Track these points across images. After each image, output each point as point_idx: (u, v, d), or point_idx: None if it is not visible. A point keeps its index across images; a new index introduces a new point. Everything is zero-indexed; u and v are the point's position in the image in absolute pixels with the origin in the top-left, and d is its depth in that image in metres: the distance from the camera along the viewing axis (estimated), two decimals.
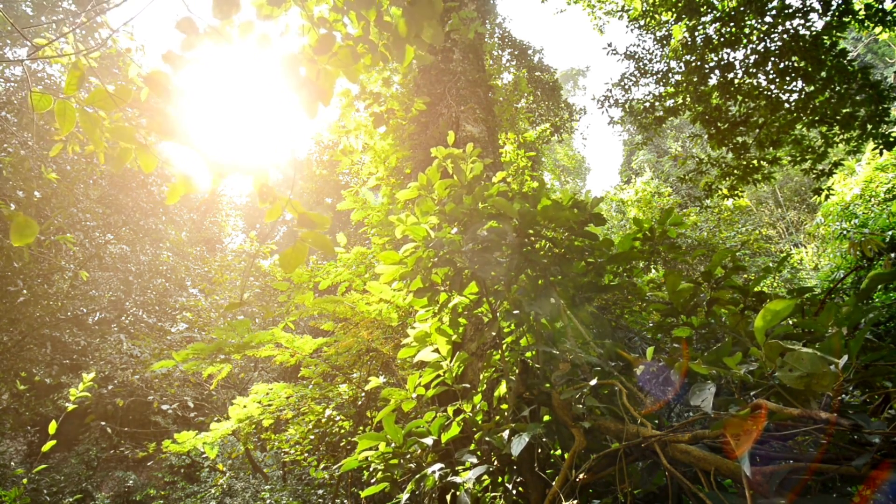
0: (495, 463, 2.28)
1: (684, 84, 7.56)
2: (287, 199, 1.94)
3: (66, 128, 1.90)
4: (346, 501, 5.80)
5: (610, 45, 8.66)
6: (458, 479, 2.09)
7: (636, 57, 8.31)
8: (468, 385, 2.95)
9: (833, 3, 6.24)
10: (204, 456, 11.90)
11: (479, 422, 2.63)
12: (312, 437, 5.29)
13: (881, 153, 6.60)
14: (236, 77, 2.12)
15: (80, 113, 1.91)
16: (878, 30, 6.54)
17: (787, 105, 6.91)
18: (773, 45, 6.68)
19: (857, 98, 6.33)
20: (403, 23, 2.09)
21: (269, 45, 2.15)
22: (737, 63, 7.06)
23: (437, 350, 2.77)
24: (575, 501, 1.76)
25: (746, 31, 6.78)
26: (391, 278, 2.77)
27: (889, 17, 6.25)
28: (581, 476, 1.84)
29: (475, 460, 2.34)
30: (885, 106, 6.27)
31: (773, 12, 6.51)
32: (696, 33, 7.12)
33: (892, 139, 6.38)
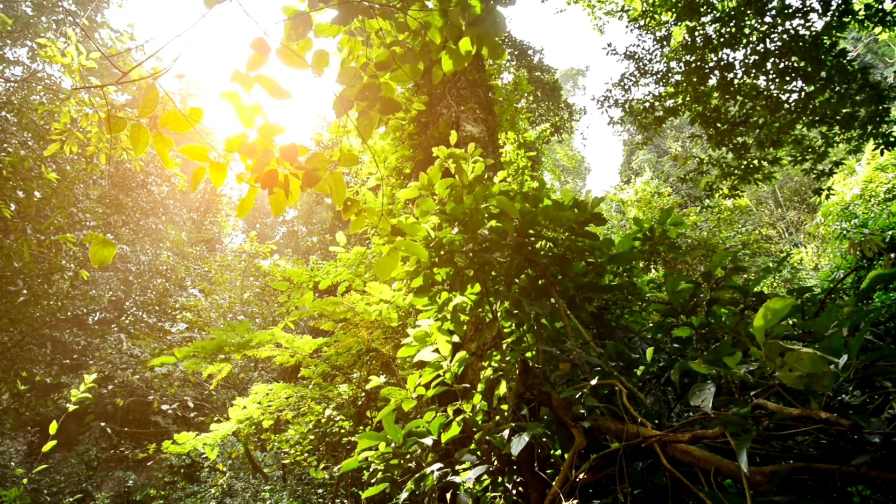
0: (495, 463, 2.28)
1: (684, 84, 7.56)
2: (375, 210, 2.00)
3: (139, 150, 1.93)
4: (345, 501, 5.80)
5: (610, 45, 8.66)
6: (457, 479, 2.09)
7: (636, 57, 8.32)
8: (468, 385, 2.95)
9: (833, 3, 6.25)
10: (204, 456, 11.90)
11: (479, 422, 2.63)
12: (312, 437, 5.29)
13: (881, 153, 6.60)
14: (301, 94, 2.17)
15: (155, 136, 1.94)
16: (877, 30, 6.54)
17: (786, 105, 6.91)
18: (772, 45, 6.68)
19: (857, 98, 6.33)
20: (468, 41, 2.13)
21: (328, 63, 2.21)
22: (736, 63, 7.06)
23: (437, 350, 2.77)
24: (575, 501, 1.76)
25: (746, 31, 6.78)
26: (393, 274, 2.77)
27: (889, 18, 6.25)
28: (581, 476, 1.84)
29: (475, 460, 2.34)
30: (885, 106, 6.27)
31: (773, 12, 6.51)
32: (696, 33, 7.12)
33: (892, 139, 6.38)
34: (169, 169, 2.15)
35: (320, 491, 7.17)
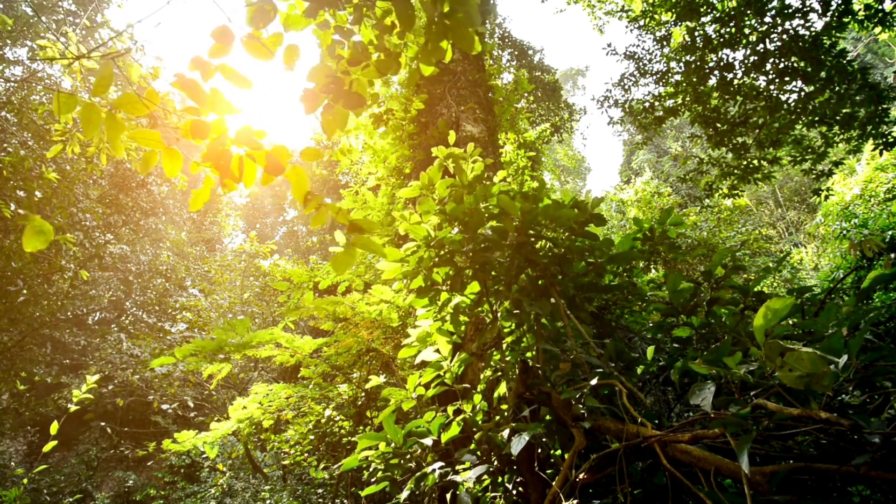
0: (495, 463, 2.28)
1: (684, 84, 7.56)
2: (336, 206, 1.97)
3: (91, 131, 1.83)
4: (345, 501, 5.80)
5: (610, 45, 8.66)
6: (457, 479, 2.09)
7: (636, 57, 8.32)
8: (468, 385, 2.95)
9: (833, 3, 6.24)
10: (204, 456, 11.90)
11: (479, 422, 2.63)
12: (312, 437, 5.29)
13: (881, 153, 6.60)
14: (263, 84, 2.14)
15: (106, 117, 1.86)
16: (877, 30, 6.54)
17: (786, 105, 6.91)
18: (772, 45, 6.68)
19: (857, 98, 6.33)
20: (435, 35, 2.10)
21: (298, 56, 2.18)
22: (736, 63, 7.06)
23: (437, 350, 2.77)
24: (575, 501, 1.76)
25: (746, 31, 6.78)
26: (393, 275, 2.77)
27: (889, 18, 6.25)
28: (581, 476, 1.84)
29: (475, 460, 2.34)
30: (885, 106, 6.27)
31: (773, 13, 6.51)
32: (696, 34, 7.12)
33: (891, 139, 6.38)
34: (118, 156, 2.06)
35: (320, 491, 7.17)
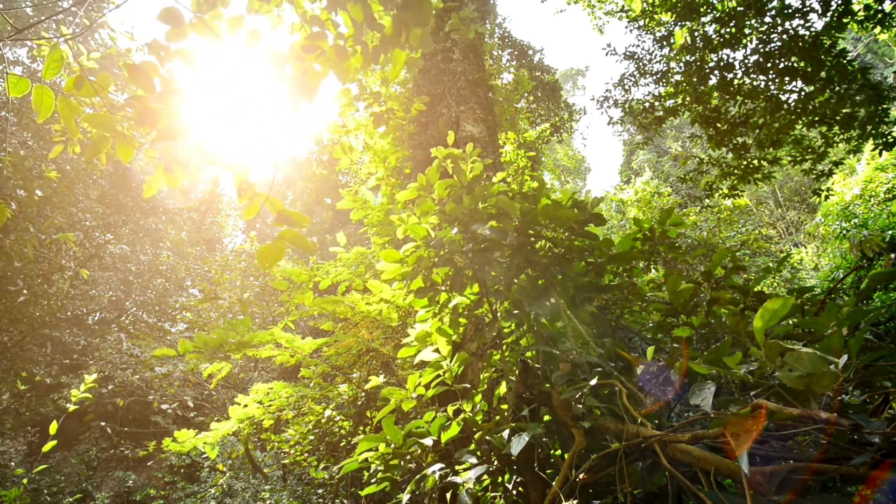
0: (495, 463, 2.28)
1: (684, 84, 7.56)
2: (266, 196, 1.94)
3: (43, 114, 1.84)
4: (345, 501, 5.80)
5: (609, 45, 8.67)
6: (458, 479, 2.09)
7: (636, 57, 8.31)
8: (468, 385, 2.95)
9: (833, 3, 6.24)
10: (204, 456, 11.90)
11: (479, 422, 2.63)
12: (312, 437, 5.29)
13: (881, 153, 6.60)
14: (225, 72, 2.12)
15: (58, 100, 1.86)
16: (877, 30, 6.54)
17: (786, 105, 6.91)
18: (772, 45, 6.68)
19: (857, 98, 6.33)
20: (390, 24, 2.11)
21: (259, 41, 2.15)
22: (736, 63, 7.06)
23: (437, 350, 2.77)
24: (575, 501, 1.76)
25: (746, 31, 6.78)
26: (392, 276, 2.77)
27: (889, 18, 6.25)
28: (581, 476, 1.84)
29: (475, 460, 2.34)
30: (885, 106, 6.27)
31: (773, 13, 6.51)
32: (696, 34, 7.12)
33: (891, 139, 6.38)
34: (75, 137, 2.05)
35: (320, 491, 7.17)
